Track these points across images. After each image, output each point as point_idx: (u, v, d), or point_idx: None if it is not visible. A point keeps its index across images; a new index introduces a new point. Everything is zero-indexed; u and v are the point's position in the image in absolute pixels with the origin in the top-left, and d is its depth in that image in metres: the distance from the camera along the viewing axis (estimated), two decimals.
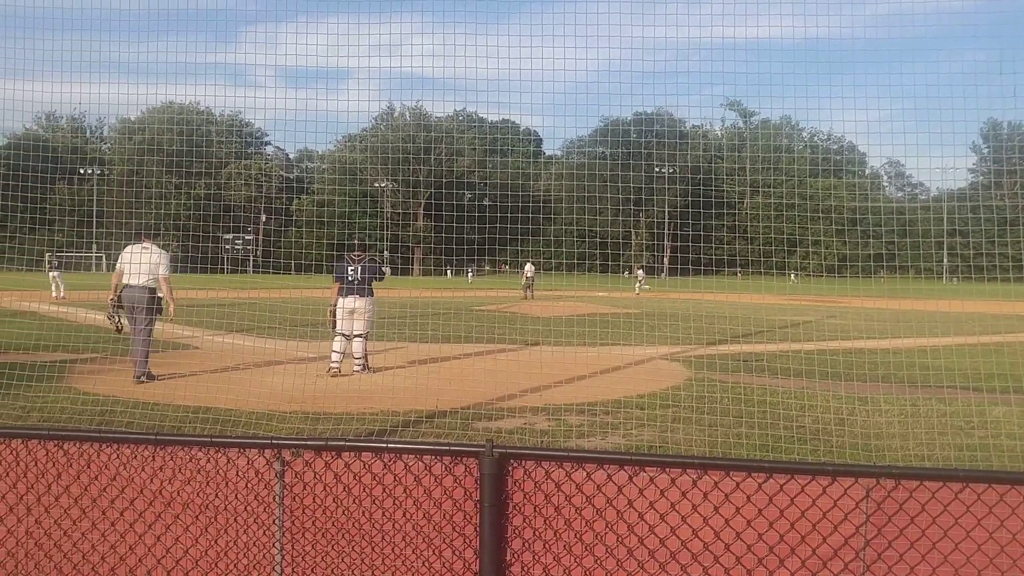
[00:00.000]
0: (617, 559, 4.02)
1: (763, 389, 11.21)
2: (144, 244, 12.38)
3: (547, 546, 4.10)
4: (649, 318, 22.78)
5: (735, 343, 17.80)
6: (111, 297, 12.32)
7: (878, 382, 11.99)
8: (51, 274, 32.24)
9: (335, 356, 12.73)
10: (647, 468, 4.05)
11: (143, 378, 11.61)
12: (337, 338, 12.93)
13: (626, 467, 4.05)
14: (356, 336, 12.85)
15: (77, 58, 5.79)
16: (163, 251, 12.44)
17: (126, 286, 12.10)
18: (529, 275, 41.34)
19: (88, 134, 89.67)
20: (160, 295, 12.19)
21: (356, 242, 13.68)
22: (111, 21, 5.67)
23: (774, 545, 3.94)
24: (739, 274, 57.03)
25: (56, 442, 4.57)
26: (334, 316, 12.97)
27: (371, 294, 13.11)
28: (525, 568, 4.11)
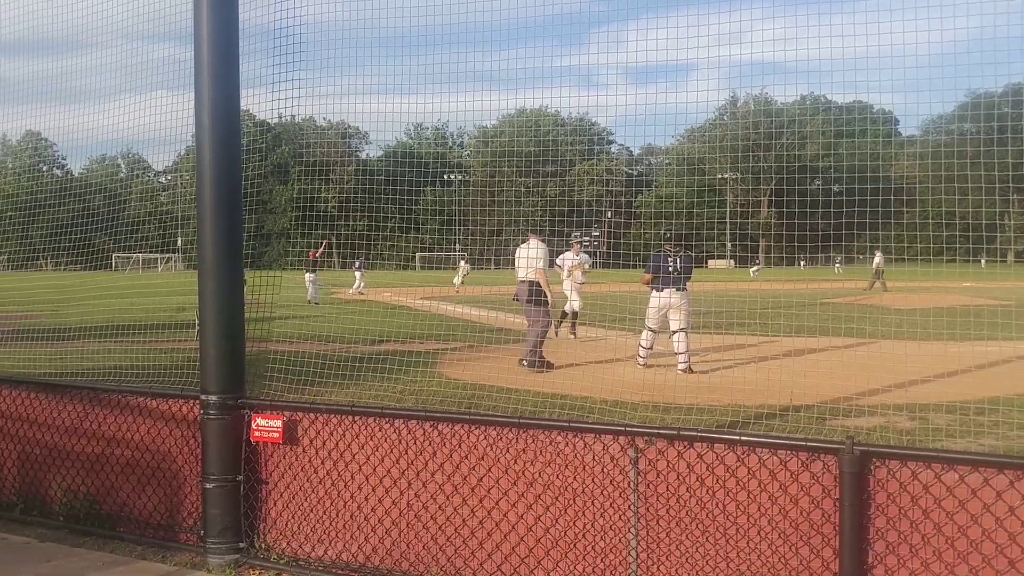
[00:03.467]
0: (996, 570, 3.70)
1: None
2: (530, 242, 13.10)
3: (914, 551, 3.86)
4: None
5: None
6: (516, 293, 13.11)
7: None
8: (356, 273, 34.53)
9: (642, 351, 12.73)
10: None
11: (533, 364, 12.19)
12: (646, 332, 12.82)
13: (1006, 470, 3.71)
14: (675, 332, 12.53)
15: (441, 71, 6.31)
16: (542, 245, 13.05)
17: (519, 281, 12.88)
18: (879, 264, 38.34)
19: (450, 142, 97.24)
20: (541, 288, 12.72)
21: (672, 233, 13.36)
22: (470, 34, 6.12)
23: None
24: None
25: (431, 423, 5.05)
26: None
27: (686, 288, 12.74)
28: (889, 572, 3.90)
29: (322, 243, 27.33)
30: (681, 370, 12.20)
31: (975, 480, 3.73)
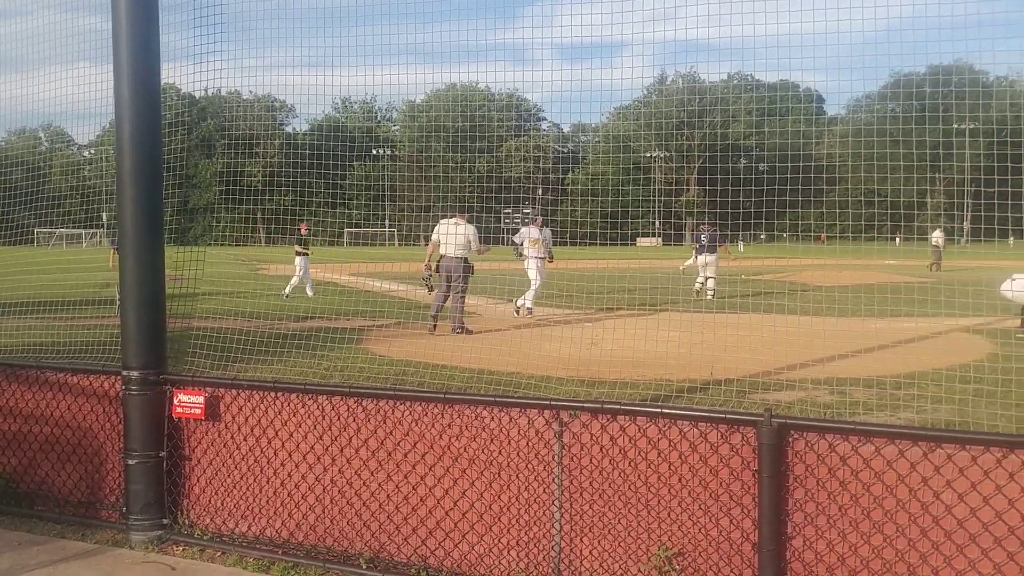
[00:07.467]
0: (909, 539, 3.79)
1: None
2: (456, 219, 14.34)
3: (831, 521, 3.94)
4: (947, 287, 21.03)
5: None
6: (427, 264, 14.32)
7: None
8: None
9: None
10: (944, 444, 3.77)
11: (461, 331, 13.44)
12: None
13: (920, 442, 3.80)
14: (707, 279, 20.97)
15: (369, 43, 6.20)
16: (471, 226, 14.36)
17: (442, 256, 13.97)
18: (938, 243, 34.52)
19: (378, 117, 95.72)
20: (470, 263, 14.08)
21: (706, 223, 21.80)
22: (401, 6, 6.02)
23: None
24: None
25: (356, 399, 4.99)
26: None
27: (715, 252, 21.08)
28: (807, 542, 3.98)
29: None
30: (710, 294, 20.22)
31: (891, 452, 3.82)
